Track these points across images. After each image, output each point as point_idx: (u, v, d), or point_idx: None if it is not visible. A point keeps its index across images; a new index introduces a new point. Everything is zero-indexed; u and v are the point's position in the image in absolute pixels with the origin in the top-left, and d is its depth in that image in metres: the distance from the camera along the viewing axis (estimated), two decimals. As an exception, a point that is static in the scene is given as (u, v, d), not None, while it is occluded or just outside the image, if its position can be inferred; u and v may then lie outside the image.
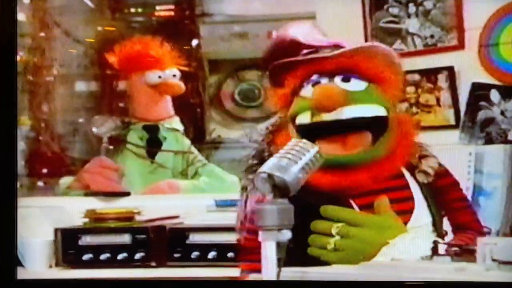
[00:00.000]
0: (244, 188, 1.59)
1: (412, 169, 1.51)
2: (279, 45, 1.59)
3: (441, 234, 1.49)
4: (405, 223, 1.44)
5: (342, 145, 1.47)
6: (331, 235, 1.38)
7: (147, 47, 2.68)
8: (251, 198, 1.56)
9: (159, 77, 2.68)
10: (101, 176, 2.50)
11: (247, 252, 1.47)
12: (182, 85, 2.71)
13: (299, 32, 1.58)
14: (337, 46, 1.55)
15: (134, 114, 2.73)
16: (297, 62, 1.53)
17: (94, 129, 2.59)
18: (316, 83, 1.51)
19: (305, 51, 1.55)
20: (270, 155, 1.31)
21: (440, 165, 1.55)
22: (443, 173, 1.55)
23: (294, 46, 1.55)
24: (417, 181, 1.50)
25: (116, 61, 2.68)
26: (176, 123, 2.74)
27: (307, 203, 1.35)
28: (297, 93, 1.53)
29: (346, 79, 1.50)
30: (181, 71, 2.73)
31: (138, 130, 2.71)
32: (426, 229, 1.47)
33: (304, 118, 1.49)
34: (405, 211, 1.46)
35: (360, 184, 1.45)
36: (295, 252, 1.17)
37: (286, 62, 1.54)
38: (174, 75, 2.70)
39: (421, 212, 1.47)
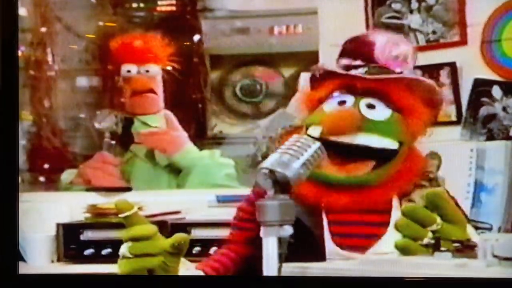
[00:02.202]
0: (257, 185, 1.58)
1: (402, 196, 1.47)
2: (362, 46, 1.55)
3: None
4: (369, 246, 1.42)
5: (342, 167, 1.45)
6: (425, 228, 1.29)
7: (133, 41, 2.66)
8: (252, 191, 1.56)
9: (128, 71, 2.66)
10: (102, 172, 2.50)
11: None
12: (148, 82, 2.65)
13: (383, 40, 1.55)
14: (386, 68, 1.52)
15: (124, 108, 2.72)
16: (334, 73, 1.53)
17: (96, 124, 2.59)
18: (342, 102, 1.50)
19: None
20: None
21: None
22: None
23: (371, 59, 1.53)
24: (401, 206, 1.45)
25: (109, 54, 2.67)
26: (154, 120, 2.69)
27: None
28: (322, 102, 1.53)
29: (371, 106, 1.49)
30: (169, 67, 2.68)
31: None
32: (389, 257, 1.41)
33: (315, 131, 1.48)
34: (373, 235, 1.43)
35: (339, 206, 1.42)
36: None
37: (328, 70, 1.53)
38: (147, 71, 2.66)
39: (391, 240, 1.39)
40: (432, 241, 1.29)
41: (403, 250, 1.30)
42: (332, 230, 1.44)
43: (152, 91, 2.67)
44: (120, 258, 1.40)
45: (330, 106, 1.51)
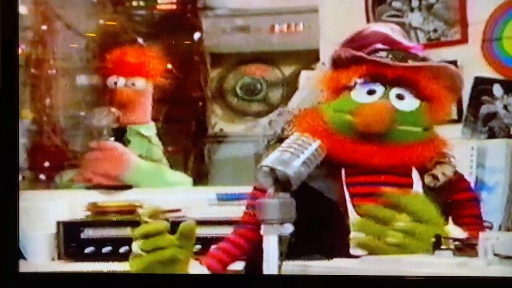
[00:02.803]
0: None
1: (424, 172, 1.49)
2: (369, 36, 1.56)
3: None
4: None
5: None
6: (389, 227, 1.31)
7: (127, 54, 2.66)
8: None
9: (115, 83, 2.66)
10: (105, 160, 2.50)
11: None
12: (132, 96, 2.64)
13: (389, 30, 1.57)
14: (408, 51, 1.53)
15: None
16: (361, 58, 1.52)
17: (94, 122, 2.58)
18: (371, 92, 1.50)
19: (379, 46, 1.53)
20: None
21: (461, 178, 1.52)
22: (464, 188, 1.53)
23: (385, 42, 1.54)
24: (423, 183, 1.48)
25: (104, 63, 2.68)
26: (147, 129, 2.69)
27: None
28: (347, 89, 1.52)
29: (400, 97, 1.49)
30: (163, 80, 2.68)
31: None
32: None
33: (346, 117, 1.48)
34: None
35: (358, 159, 1.43)
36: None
37: (352, 54, 1.52)
38: (133, 84, 2.65)
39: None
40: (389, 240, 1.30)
41: (364, 247, 1.31)
42: (351, 191, 1.44)
43: (134, 103, 2.64)
44: (132, 257, 1.40)
45: (359, 96, 1.50)
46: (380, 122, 1.45)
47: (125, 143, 2.65)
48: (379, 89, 1.50)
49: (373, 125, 1.45)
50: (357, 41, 1.56)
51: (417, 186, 1.48)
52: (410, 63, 1.51)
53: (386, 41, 1.56)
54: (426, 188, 1.48)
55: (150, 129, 2.69)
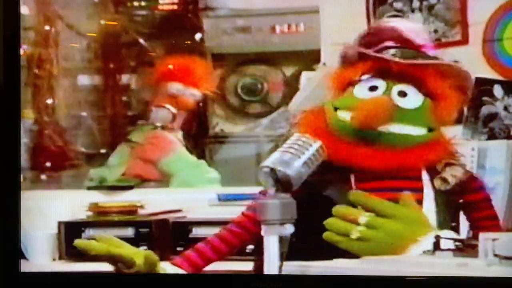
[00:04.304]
0: None
1: (434, 174, 1.47)
2: (381, 32, 1.54)
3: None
4: None
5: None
6: (355, 223, 1.31)
7: (195, 64, 2.72)
8: None
9: (178, 90, 2.69)
10: (150, 146, 2.56)
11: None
12: (192, 104, 2.72)
13: (410, 27, 1.55)
14: (420, 50, 1.51)
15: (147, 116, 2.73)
16: (367, 55, 1.49)
17: (151, 118, 2.66)
18: (373, 88, 1.47)
19: (388, 44, 1.51)
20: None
21: (472, 178, 1.50)
22: (475, 188, 1.50)
23: (397, 39, 1.52)
24: (433, 186, 1.46)
25: (158, 69, 2.73)
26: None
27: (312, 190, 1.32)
28: (351, 85, 1.50)
29: (403, 94, 1.46)
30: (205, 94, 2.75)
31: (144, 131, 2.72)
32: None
33: (346, 115, 1.45)
34: None
35: (367, 166, 1.41)
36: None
37: (362, 52, 1.50)
38: (193, 94, 2.72)
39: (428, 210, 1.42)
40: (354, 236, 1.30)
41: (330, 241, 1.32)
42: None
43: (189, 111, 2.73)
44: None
45: (360, 92, 1.47)
46: (375, 117, 1.41)
47: None
48: (381, 85, 1.46)
49: (367, 120, 1.41)
50: (370, 36, 1.54)
51: (428, 190, 1.45)
52: (416, 60, 1.48)
53: (398, 38, 1.52)
54: (437, 191, 1.44)
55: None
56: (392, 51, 1.50)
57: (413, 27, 1.59)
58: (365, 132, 1.42)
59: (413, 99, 1.47)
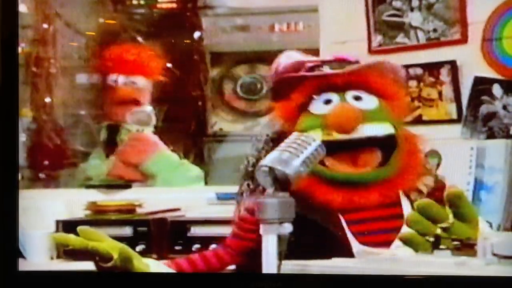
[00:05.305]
0: (241, 194, 1.59)
1: (408, 188, 1.49)
2: (284, 67, 1.59)
3: None
4: (392, 240, 1.43)
5: (353, 163, 1.47)
6: (435, 224, 1.28)
7: (124, 52, 2.68)
8: (244, 204, 1.56)
9: (115, 81, 2.66)
10: (132, 149, 2.52)
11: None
12: (132, 92, 2.66)
13: (295, 56, 1.60)
14: (341, 61, 1.55)
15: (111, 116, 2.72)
16: (304, 77, 1.53)
17: (128, 120, 2.60)
18: (328, 101, 1.51)
19: (310, 65, 1.55)
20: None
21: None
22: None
23: (299, 65, 1.56)
24: (409, 198, 1.49)
25: (103, 61, 2.69)
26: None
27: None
28: (305, 109, 1.53)
29: (357, 98, 1.51)
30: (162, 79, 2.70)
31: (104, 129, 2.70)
32: None
33: (315, 136, 1.45)
34: (393, 229, 1.44)
35: (370, 202, 1.44)
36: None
37: (293, 77, 1.54)
38: (133, 82, 2.66)
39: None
40: (431, 239, 1.29)
41: (407, 241, 1.30)
42: (353, 230, 1.46)
43: (135, 101, 2.66)
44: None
45: (317, 108, 1.52)
46: (349, 123, 1.46)
47: (117, 142, 2.66)
48: (334, 97, 1.51)
49: (343, 127, 1.45)
50: (291, 68, 1.58)
51: (407, 209, 1.47)
52: (354, 67, 1.53)
53: (296, 67, 1.57)
54: (415, 205, 1.42)
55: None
56: (325, 67, 1.55)
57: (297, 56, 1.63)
58: (342, 175, 1.44)
59: (369, 100, 1.52)
